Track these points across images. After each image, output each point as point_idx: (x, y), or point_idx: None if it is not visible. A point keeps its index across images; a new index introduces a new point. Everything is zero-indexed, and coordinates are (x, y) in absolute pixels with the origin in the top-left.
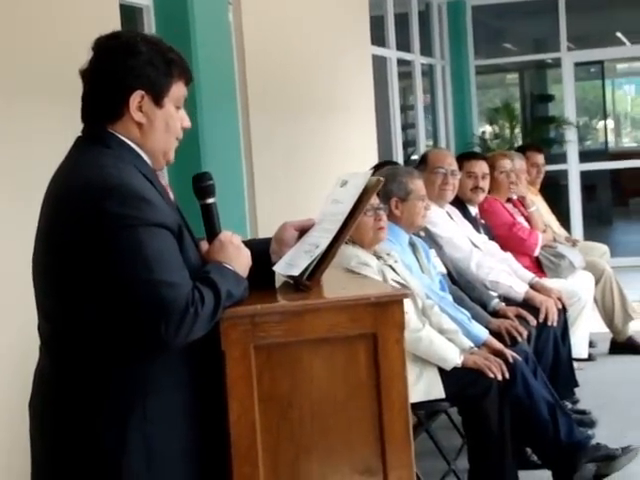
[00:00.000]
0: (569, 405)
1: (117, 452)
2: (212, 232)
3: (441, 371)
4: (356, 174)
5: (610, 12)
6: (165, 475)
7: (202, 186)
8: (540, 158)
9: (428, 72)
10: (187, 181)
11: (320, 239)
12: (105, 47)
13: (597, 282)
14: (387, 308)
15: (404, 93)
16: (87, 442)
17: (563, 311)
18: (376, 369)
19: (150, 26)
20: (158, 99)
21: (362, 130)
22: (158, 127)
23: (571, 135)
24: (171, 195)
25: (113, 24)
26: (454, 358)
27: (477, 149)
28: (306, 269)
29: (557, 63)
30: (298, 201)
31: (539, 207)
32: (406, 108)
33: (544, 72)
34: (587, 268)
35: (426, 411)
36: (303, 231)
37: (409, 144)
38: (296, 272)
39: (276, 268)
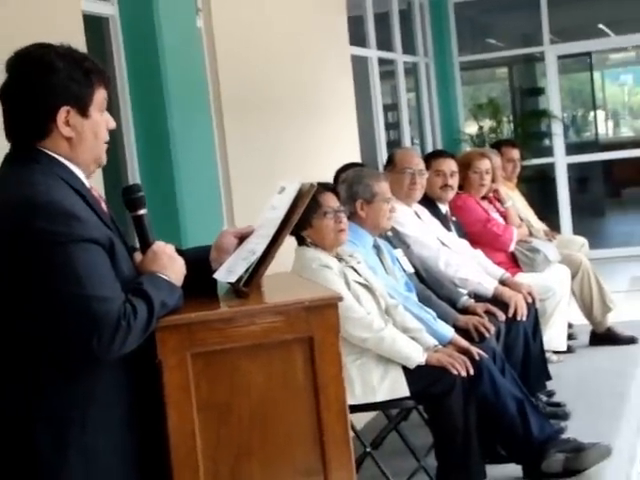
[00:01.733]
0: (544, 398)
1: (56, 465)
2: (145, 243)
3: (406, 370)
4: (293, 181)
5: (593, 4)
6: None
7: (132, 198)
8: (515, 153)
9: (412, 70)
10: (159, 191)
11: (257, 245)
12: (20, 67)
13: (575, 275)
14: (322, 312)
15: (393, 92)
16: (26, 457)
17: (533, 306)
18: (313, 372)
19: (117, 36)
20: (84, 110)
21: (343, 131)
22: (87, 137)
23: (557, 128)
24: (104, 207)
25: (77, 35)
26: (417, 356)
27: (465, 146)
28: (242, 275)
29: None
30: None
31: (516, 202)
32: (391, 108)
33: (533, 66)
34: (564, 261)
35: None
36: (242, 238)
37: (394, 144)
38: (233, 279)
39: (216, 275)
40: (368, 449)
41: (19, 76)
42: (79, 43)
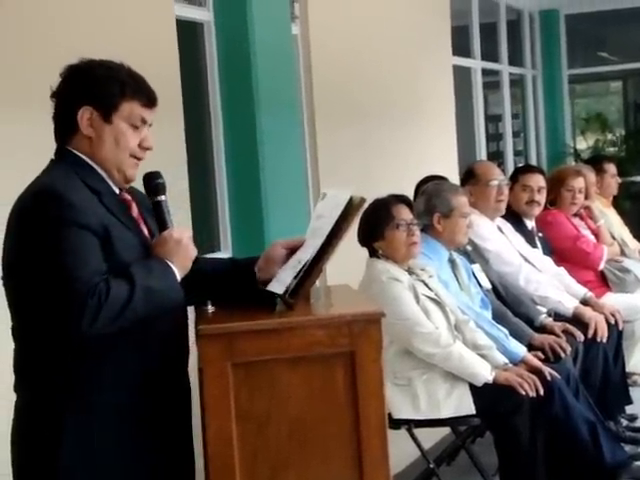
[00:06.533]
0: (625, 422)
1: (52, 451)
2: (163, 228)
3: (472, 387)
4: (336, 189)
5: None
6: (101, 473)
7: (152, 184)
8: (612, 168)
9: (519, 82)
10: (244, 196)
11: (303, 255)
12: (66, 73)
13: None
14: (364, 327)
15: (497, 103)
16: (21, 443)
17: (617, 328)
18: (354, 388)
19: (210, 42)
20: (106, 115)
21: (441, 141)
22: (107, 141)
23: None
24: (133, 210)
25: (170, 40)
26: (485, 374)
27: (570, 160)
28: (289, 286)
29: None
30: None
31: (611, 219)
32: (494, 119)
33: None
34: None
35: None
36: (293, 250)
37: (496, 155)
38: (281, 290)
39: (268, 287)
40: (432, 465)
41: (62, 80)
42: (171, 48)
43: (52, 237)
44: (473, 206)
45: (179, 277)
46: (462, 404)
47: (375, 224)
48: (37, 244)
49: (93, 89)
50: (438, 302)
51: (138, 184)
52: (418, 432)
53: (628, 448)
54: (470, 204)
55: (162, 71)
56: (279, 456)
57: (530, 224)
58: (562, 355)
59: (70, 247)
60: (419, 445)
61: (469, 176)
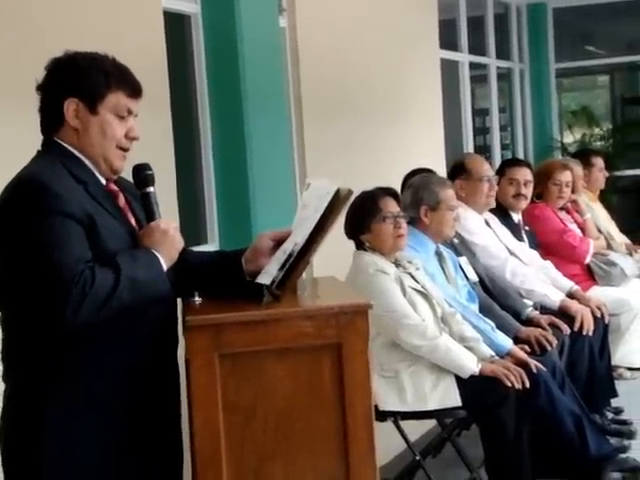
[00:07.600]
0: (610, 415)
1: (36, 441)
2: (150, 219)
3: (458, 379)
4: (321, 178)
5: None
6: (85, 464)
7: (141, 176)
8: (600, 162)
9: (506, 75)
10: (233, 190)
11: (289, 245)
12: (51, 66)
13: None
14: (351, 319)
15: (484, 97)
16: (10, 431)
17: (602, 321)
18: (340, 379)
19: (198, 34)
20: (92, 106)
21: (428, 135)
22: (93, 132)
23: None
24: (120, 200)
25: (157, 32)
26: (471, 366)
27: (557, 154)
28: (276, 278)
29: None
30: None
31: (597, 213)
32: (481, 112)
33: (637, 74)
34: None
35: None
36: (280, 241)
37: (483, 149)
38: (267, 280)
39: (258, 279)
40: (417, 457)
41: (47, 73)
42: (159, 40)
43: (37, 226)
44: (463, 200)
45: (165, 267)
46: (448, 396)
47: (362, 216)
48: (22, 233)
49: (78, 80)
50: (425, 294)
51: (127, 175)
52: (404, 424)
53: (613, 441)
54: (460, 198)
55: (149, 63)
56: (266, 447)
57: (517, 217)
58: (548, 348)
59: (55, 236)
60: (405, 437)
61: (459, 170)
